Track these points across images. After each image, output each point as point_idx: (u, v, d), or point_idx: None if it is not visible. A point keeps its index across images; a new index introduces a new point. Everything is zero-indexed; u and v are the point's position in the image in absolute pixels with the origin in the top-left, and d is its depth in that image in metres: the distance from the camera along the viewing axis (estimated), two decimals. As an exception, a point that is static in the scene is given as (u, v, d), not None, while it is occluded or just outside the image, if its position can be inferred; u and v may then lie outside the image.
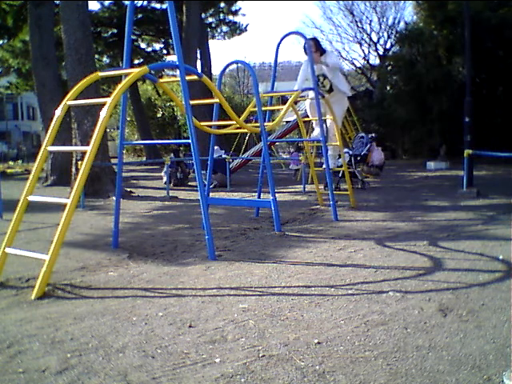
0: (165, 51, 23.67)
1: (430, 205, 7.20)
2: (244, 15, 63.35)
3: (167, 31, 17.43)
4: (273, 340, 2.40)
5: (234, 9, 22.02)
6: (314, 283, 3.34)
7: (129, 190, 9.74)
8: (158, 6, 21.50)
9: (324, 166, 6.37)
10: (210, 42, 23.60)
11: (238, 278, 3.51)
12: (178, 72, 4.34)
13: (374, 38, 27.76)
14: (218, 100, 5.00)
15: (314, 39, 7.31)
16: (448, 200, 7.60)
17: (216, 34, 23.03)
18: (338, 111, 7.13)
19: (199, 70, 7.09)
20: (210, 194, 6.57)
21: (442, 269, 3.66)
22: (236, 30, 22.67)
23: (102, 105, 3.64)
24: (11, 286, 3.43)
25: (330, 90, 7.22)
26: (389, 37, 27.26)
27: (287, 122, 15.88)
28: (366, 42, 28.01)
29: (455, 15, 16.13)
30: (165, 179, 10.13)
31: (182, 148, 17.80)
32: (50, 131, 3.75)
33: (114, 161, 10.09)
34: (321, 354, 2.24)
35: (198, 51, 17.65)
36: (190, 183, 11.54)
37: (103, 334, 2.53)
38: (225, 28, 22.80)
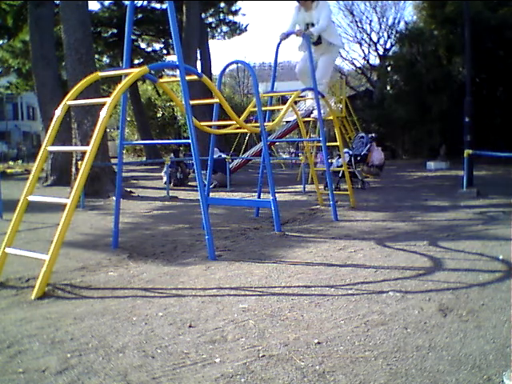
0: (165, 51, 23.68)
1: (430, 205, 7.19)
2: (244, 15, 63.46)
3: (167, 31, 17.40)
4: (273, 340, 2.40)
5: (233, 9, 22.02)
6: (314, 283, 3.34)
7: (129, 190, 9.74)
8: (158, 5, 21.50)
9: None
10: (210, 42, 23.61)
11: (238, 278, 3.51)
12: (177, 72, 4.34)
13: (374, 38, 27.83)
14: (217, 100, 5.00)
15: None
16: (448, 200, 7.60)
17: (216, 34, 23.02)
18: (325, 62, 6.54)
19: (199, 70, 7.07)
20: (210, 193, 6.57)
21: (442, 269, 3.66)
22: (236, 30, 22.66)
23: (102, 105, 3.64)
24: (11, 286, 3.43)
25: (318, 41, 6.70)
26: (389, 37, 27.31)
27: (287, 121, 15.89)
28: (366, 42, 28.07)
29: (455, 15, 16.13)
30: (165, 179, 10.13)
31: (181, 148, 17.81)
32: (49, 131, 3.75)
33: (114, 161, 10.09)
34: (321, 354, 2.24)
35: (198, 51, 17.64)
36: (190, 183, 11.55)
37: (103, 334, 2.53)
38: (225, 28, 22.81)
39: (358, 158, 10.13)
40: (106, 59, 24.33)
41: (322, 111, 6.45)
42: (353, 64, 29.24)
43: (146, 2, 21.19)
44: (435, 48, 18.35)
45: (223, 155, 11.16)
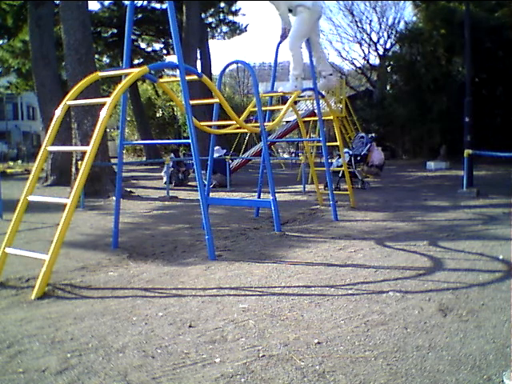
0: (165, 51, 23.69)
1: (429, 205, 7.19)
2: (244, 15, 63.31)
3: (167, 31, 17.39)
4: (273, 340, 2.40)
5: (233, 9, 22.01)
6: (314, 283, 3.34)
7: (129, 189, 9.74)
8: (158, 5, 21.51)
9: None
10: (210, 41, 23.60)
11: (238, 278, 3.51)
12: (177, 72, 4.34)
13: (374, 38, 27.77)
14: (218, 100, 5.00)
15: None
16: (448, 200, 7.60)
17: (216, 34, 23.01)
18: (297, 25, 5.83)
19: (199, 70, 7.06)
20: (210, 193, 6.57)
21: (442, 269, 3.66)
22: (236, 30, 22.65)
23: (102, 105, 3.64)
24: (11, 286, 3.43)
25: None
26: (389, 37, 27.26)
27: (287, 121, 15.89)
28: (365, 42, 28.00)
29: (453, 17, 16.13)
30: (165, 179, 10.13)
31: (181, 148, 17.79)
32: (49, 131, 3.75)
33: (114, 161, 10.09)
34: (321, 353, 2.24)
35: (198, 51, 17.64)
36: (190, 183, 11.55)
37: (103, 333, 2.53)
38: (225, 28, 22.79)
39: (358, 158, 10.12)
40: (106, 59, 24.33)
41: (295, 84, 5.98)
42: (353, 64, 29.21)
43: (145, 2, 21.20)
44: (435, 48, 18.35)
45: (223, 153, 11.16)
